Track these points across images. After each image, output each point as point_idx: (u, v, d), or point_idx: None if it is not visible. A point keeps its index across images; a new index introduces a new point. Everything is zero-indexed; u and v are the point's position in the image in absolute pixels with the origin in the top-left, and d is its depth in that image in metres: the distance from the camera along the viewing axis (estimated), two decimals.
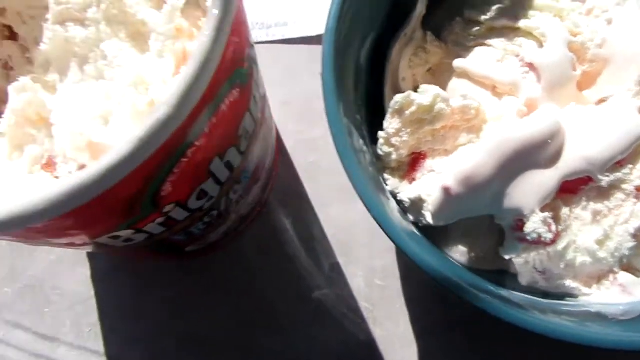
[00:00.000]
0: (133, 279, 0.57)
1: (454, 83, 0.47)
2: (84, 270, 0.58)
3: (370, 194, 0.38)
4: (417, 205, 0.44)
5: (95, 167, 0.24)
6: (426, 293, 0.55)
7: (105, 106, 0.37)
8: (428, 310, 0.54)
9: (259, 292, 0.56)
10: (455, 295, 0.37)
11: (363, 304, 0.55)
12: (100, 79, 0.38)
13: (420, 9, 0.46)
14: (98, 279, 0.57)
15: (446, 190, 0.40)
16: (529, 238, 0.40)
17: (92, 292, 0.57)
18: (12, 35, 0.42)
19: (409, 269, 0.56)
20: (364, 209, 0.58)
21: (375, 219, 0.38)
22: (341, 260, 0.57)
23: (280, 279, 0.56)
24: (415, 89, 0.51)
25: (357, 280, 0.56)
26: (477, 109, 0.41)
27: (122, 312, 0.56)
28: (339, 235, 0.58)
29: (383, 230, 0.38)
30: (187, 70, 0.25)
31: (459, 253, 0.47)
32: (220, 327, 0.55)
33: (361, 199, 0.39)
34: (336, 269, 0.57)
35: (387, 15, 0.47)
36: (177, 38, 0.36)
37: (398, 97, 0.42)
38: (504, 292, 0.42)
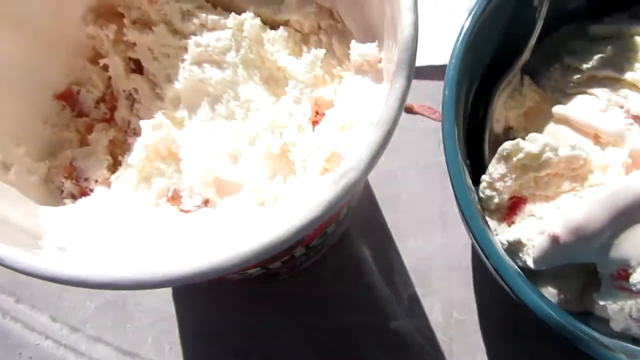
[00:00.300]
0: (214, 301, 0.58)
1: (553, 128, 0.48)
2: (167, 289, 0.59)
3: (484, 233, 0.39)
4: (515, 248, 0.45)
5: (291, 224, 0.25)
6: (504, 328, 0.56)
7: (235, 145, 0.39)
8: (505, 346, 0.55)
9: (338, 319, 0.57)
10: (557, 334, 0.38)
11: (440, 337, 0.56)
12: (230, 118, 0.40)
13: (526, 56, 0.47)
14: (180, 299, 0.58)
15: (554, 239, 0.41)
16: (633, 288, 0.41)
17: (174, 311, 0.58)
18: (139, 69, 0.43)
19: (488, 303, 0.57)
20: (443, 241, 0.60)
21: (486, 256, 0.40)
22: (419, 291, 0.58)
23: (359, 307, 0.57)
24: (508, 130, 0.52)
25: (435, 312, 0.57)
26: (585, 160, 0.42)
27: (202, 333, 0.58)
28: (417, 266, 0.59)
29: (494, 269, 0.39)
30: (374, 138, 0.26)
31: (548, 294, 0.48)
32: (298, 352, 0.56)
33: (475, 238, 0.40)
34: (414, 300, 0.58)
35: (489, 61, 0.48)
36: (315, 86, 0.37)
37: (507, 145, 0.43)
38: (596, 335, 0.43)
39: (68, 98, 0.43)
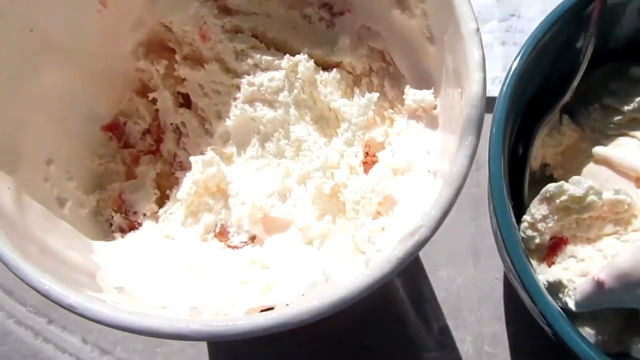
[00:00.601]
0: None
1: (592, 168, 0.48)
2: None
3: (529, 273, 0.40)
4: (556, 288, 0.45)
5: (362, 280, 0.25)
6: None
7: (284, 183, 0.39)
8: None
9: (368, 349, 0.57)
10: None
11: None
12: (280, 156, 0.40)
13: (568, 97, 0.48)
14: None
15: (599, 284, 0.41)
16: None
17: None
18: (186, 102, 0.44)
19: (520, 337, 0.57)
20: (474, 273, 0.60)
21: (530, 297, 0.40)
22: (450, 323, 0.58)
23: (390, 338, 0.57)
24: (544, 167, 0.53)
25: (466, 345, 0.57)
26: (629, 204, 0.43)
27: (233, 357, 0.58)
28: (448, 298, 0.59)
29: (538, 309, 0.39)
30: (445, 195, 0.26)
31: (586, 334, 0.47)
32: None
33: (520, 278, 0.40)
34: (445, 332, 0.58)
35: (530, 99, 0.49)
36: (367, 128, 0.37)
37: (551, 187, 0.43)
38: None
39: (115, 129, 0.44)
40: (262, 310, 0.37)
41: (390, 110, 0.38)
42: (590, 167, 0.48)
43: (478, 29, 0.28)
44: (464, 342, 0.57)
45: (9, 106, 0.34)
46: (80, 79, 0.39)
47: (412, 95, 0.35)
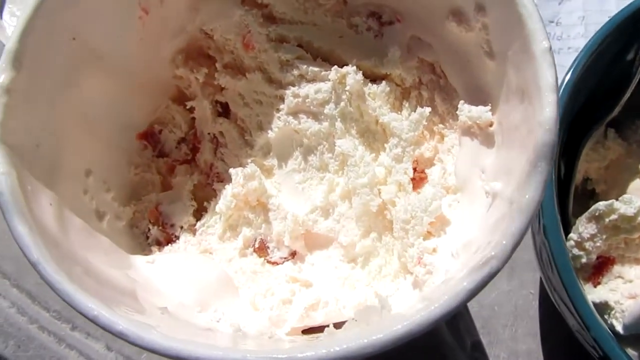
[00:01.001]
0: None
1: (639, 184, 0.47)
2: None
3: (580, 294, 0.38)
4: (601, 309, 0.43)
5: (430, 313, 0.24)
6: None
7: (328, 199, 0.38)
8: None
9: None
10: None
11: None
12: (323, 170, 0.39)
13: (616, 112, 0.46)
14: None
15: None
16: None
17: None
18: (225, 111, 0.42)
19: (555, 354, 0.55)
20: (509, 288, 0.58)
21: (581, 317, 0.38)
22: (484, 339, 0.56)
23: (422, 354, 0.56)
24: (585, 181, 0.51)
25: None
26: None
27: None
28: (482, 313, 0.57)
29: (590, 332, 0.38)
30: (518, 226, 0.25)
31: (630, 355, 0.46)
32: None
33: (571, 298, 0.38)
34: (479, 348, 0.56)
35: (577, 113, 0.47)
36: (417, 144, 0.36)
37: (600, 205, 0.42)
38: None
39: (150, 137, 0.42)
40: (304, 331, 0.35)
41: (441, 125, 0.37)
42: (636, 184, 0.47)
43: (551, 48, 0.27)
44: (498, 358, 0.56)
45: (51, 116, 0.33)
46: (120, 86, 0.38)
47: (467, 112, 0.34)
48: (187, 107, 0.42)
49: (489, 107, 0.33)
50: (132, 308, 0.29)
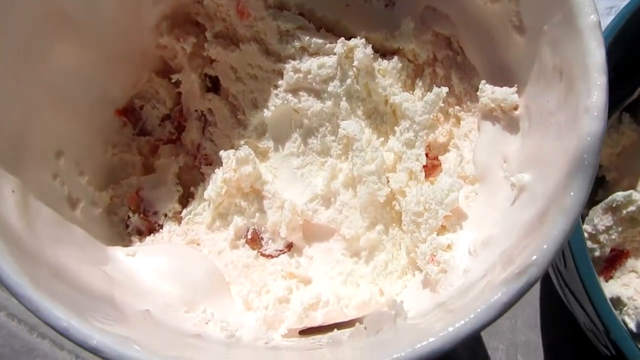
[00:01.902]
0: None
1: None
2: None
3: (598, 288, 0.36)
4: (614, 305, 0.41)
5: (463, 329, 0.21)
6: None
7: (330, 186, 0.34)
8: None
9: None
10: None
11: None
12: (325, 155, 0.35)
13: (636, 95, 0.43)
14: None
15: None
16: None
17: None
18: (214, 87, 0.38)
19: (556, 346, 0.53)
20: None
21: (597, 313, 0.36)
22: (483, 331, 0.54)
23: None
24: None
25: (499, 353, 0.53)
26: None
27: None
28: None
29: (608, 328, 0.35)
30: (561, 228, 0.22)
31: None
32: None
33: (588, 293, 0.36)
34: (477, 338, 0.54)
35: None
36: (431, 128, 0.32)
37: (619, 196, 0.39)
38: None
39: (130, 113, 0.38)
40: (302, 331, 0.32)
41: (457, 107, 0.33)
42: None
43: (600, 23, 0.23)
44: (496, 350, 0.54)
45: (15, 89, 0.28)
46: (94, 56, 0.34)
47: (490, 93, 0.30)
48: (173, 81, 0.37)
49: (515, 89, 0.29)
50: (109, 316, 0.25)
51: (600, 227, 0.40)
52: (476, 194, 0.31)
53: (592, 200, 0.47)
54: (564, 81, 0.25)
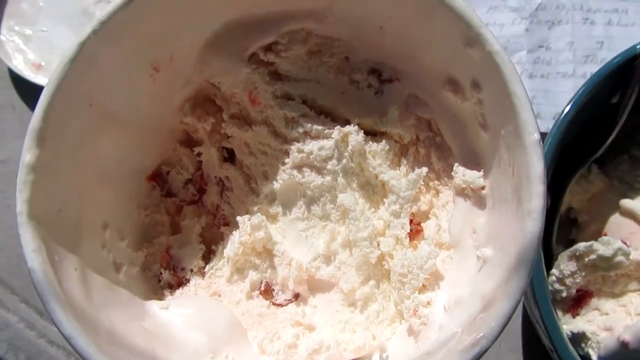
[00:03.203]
0: None
1: (618, 220, 0.50)
2: None
3: (556, 328, 0.42)
4: (579, 339, 0.47)
5: None
6: None
7: (330, 247, 0.40)
8: None
9: None
10: None
11: None
12: (325, 219, 0.41)
13: (600, 153, 0.49)
14: None
15: (624, 344, 0.43)
16: None
17: None
18: (230, 156, 0.44)
19: None
20: None
21: (555, 348, 0.42)
22: None
23: None
24: (568, 210, 0.54)
25: None
26: None
27: None
28: None
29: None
30: (505, 309, 0.28)
31: None
32: None
33: (546, 327, 0.42)
34: None
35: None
36: (415, 201, 0.38)
37: (581, 246, 0.45)
38: None
39: (158, 178, 0.44)
40: None
41: (437, 182, 0.39)
42: (615, 218, 0.50)
43: (540, 140, 0.29)
44: None
45: (70, 180, 0.34)
46: (133, 139, 0.40)
47: (462, 175, 0.36)
48: (195, 153, 0.43)
49: (481, 173, 0.35)
50: None
51: (566, 272, 0.46)
52: (451, 258, 0.37)
53: (567, 237, 0.53)
54: (515, 179, 0.31)
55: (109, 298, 0.35)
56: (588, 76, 0.62)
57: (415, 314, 0.36)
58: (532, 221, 0.28)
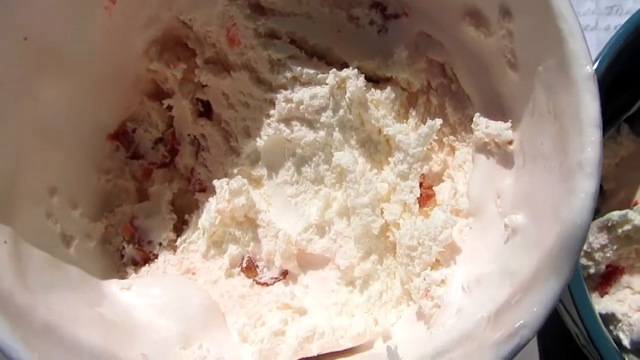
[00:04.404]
0: None
1: None
2: None
3: (589, 305, 0.36)
4: (608, 321, 0.41)
5: None
6: None
7: (324, 215, 0.34)
8: None
9: None
10: None
11: None
12: (319, 183, 0.35)
13: (634, 110, 0.43)
14: None
15: None
16: None
17: None
18: (207, 111, 0.38)
19: (551, 355, 0.54)
20: None
21: (587, 329, 0.36)
22: None
23: None
24: None
25: None
26: None
27: None
28: None
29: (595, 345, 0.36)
30: (552, 290, 0.22)
31: None
32: None
33: (577, 308, 0.36)
34: None
35: None
36: (425, 160, 0.32)
37: (614, 215, 0.39)
38: None
39: (122, 137, 0.38)
40: None
41: (452, 137, 0.33)
42: None
43: (594, 75, 0.23)
44: None
45: (3, 136, 0.28)
46: (85, 86, 0.33)
47: (485, 127, 0.30)
48: (164, 106, 0.37)
49: (509, 124, 0.29)
50: None
51: (596, 245, 0.40)
52: (470, 228, 0.31)
53: None
54: (558, 126, 0.25)
55: (53, 278, 0.28)
56: (612, 29, 0.57)
57: (426, 295, 0.30)
58: (586, 177, 0.22)
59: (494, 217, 0.30)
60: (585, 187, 0.22)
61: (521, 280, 0.24)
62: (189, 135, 0.38)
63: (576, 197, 0.22)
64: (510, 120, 0.29)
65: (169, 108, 0.37)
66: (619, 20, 0.57)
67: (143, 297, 0.32)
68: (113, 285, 0.32)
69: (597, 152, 0.22)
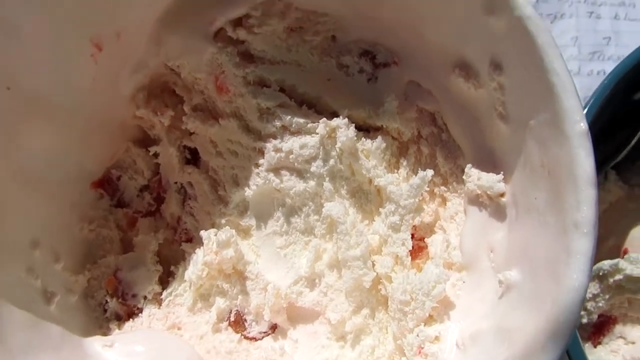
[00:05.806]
0: None
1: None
2: None
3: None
4: None
5: None
6: None
7: (314, 268, 0.33)
8: None
9: None
10: None
11: None
12: (309, 234, 0.34)
13: (620, 158, 0.43)
14: None
15: None
16: None
17: None
18: (195, 158, 0.37)
19: None
20: None
21: None
22: None
23: None
24: None
25: None
26: None
27: None
28: None
29: None
30: (556, 353, 0.21)
31: None
32: None
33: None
34: None
35: None
36: (417, 211, 0.31)
37: (605, 264, 0.39)
38: None
39: (106, 184, 0.37)
40: None
41: (443, 188, 0.33)
42: (638, 232, 0.44)
43: (588, 132, 0.23)
44: None
45: None
46: (69, 134, 0.33)
47: (476, 179, 0.29)
48: (151, 153, 0.36)
49: (501, 176, 0.29)
50: None
51: (588, 295, 0.40)
52: (463, 282, 0.30)
53: None
54: (552, 182, 0.24)
55: (33, 339, 0.27)
56: (595, 75, 0.58)
57: (420, 352, 0.29)
58: (581, 237, 0.22)
59: (487, 271, 0.29)
60: (582, 247, 0.22)
61: (518, 346, 0.23)
62: (175, 183, 0.37)
63: (573, 258, 0.22)
64: (502, 172, 0.29)
65: (156, 155, 0.36)
66: (601, 66, 0.58)
67: (126, 355, 0.30)
68: (96, 344, 0.31)
69: (593, 211, 0.22)
